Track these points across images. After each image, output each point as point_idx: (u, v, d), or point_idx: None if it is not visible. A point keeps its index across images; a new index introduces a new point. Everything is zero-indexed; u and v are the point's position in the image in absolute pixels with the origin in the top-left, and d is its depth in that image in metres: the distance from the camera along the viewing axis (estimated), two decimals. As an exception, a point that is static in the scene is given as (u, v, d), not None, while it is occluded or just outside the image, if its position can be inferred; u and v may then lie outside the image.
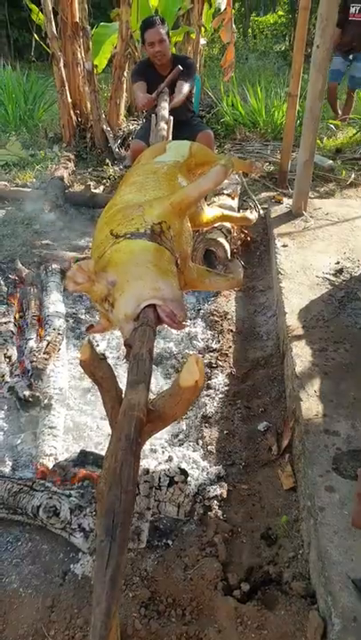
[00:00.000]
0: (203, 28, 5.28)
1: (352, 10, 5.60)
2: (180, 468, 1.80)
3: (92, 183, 4.55)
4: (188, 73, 3.51)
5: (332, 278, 2.96)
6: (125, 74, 4.93)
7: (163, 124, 2.92)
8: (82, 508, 1.70)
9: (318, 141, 5.62)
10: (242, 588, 1.62)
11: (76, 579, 1.63)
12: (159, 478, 1.76)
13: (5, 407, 2.24)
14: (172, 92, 3.41)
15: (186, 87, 3.45)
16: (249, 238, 3.55)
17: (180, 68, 3.48)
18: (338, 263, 3.11)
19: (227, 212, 2.23)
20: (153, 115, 3.23)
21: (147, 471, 1.77)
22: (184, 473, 1.79)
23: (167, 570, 1.65)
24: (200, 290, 1.89)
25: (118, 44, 4.84)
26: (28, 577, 1.63)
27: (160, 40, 3.44)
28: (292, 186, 4.55)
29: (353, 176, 4.77)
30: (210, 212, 2.28)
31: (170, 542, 1.73)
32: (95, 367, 1.10)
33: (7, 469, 1.97)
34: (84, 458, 1.91)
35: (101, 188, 4.50)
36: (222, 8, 4.82)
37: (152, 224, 1.59)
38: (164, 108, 3.20)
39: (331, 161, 4.98)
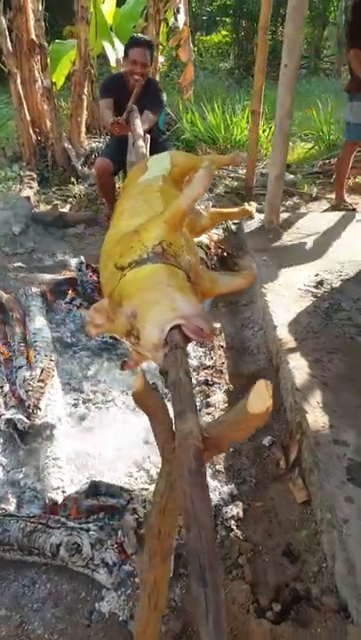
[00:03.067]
0: (160, 47, 5.33)
1: None
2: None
3: (57, 202, 4.47)
4: (157, 106, 3.60)
5: (314, 290, 3.02)
6: (85, 91, 4.89)
7: (140, 142, 2.90)
8: (102, 541, 1.63)
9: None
10: (273, 608, 1.59)
11: (103, 618, 1.55)
12: (179, 504, 1.71)
13: (1, 440, 2.13)
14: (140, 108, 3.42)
15: (150, 120, 3.50)
16: (226, 254, 3.57)
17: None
18: (317, 275, 3.17)
19: (225, 210, 2.23)
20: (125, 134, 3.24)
21: (166, 497, 1.72)
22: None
23: (196, 598, 1.60)
24: (218, 295, 1.87)
25: (77, 61, 4.81)
26: (51, 621, 1.54)
27: (143, 63, 3.49)
28: (259, 200, 4.65)
29: (315, 190, 4.91)
30: (206, 217, 2.27)
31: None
32: (148, 398, 1.06)
33: (12, 507, 1.87)
34: (96, 488, 1.83)
35: (68, 206, 4.43)
36: (180, 27, 4.88)
37: (152, 246, 1.57)
38: (139, 126, 3.19)
39: (292, 175, 5.11)
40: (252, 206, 2.41)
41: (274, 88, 4.36)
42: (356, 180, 5.04)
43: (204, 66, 10.34)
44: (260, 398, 0.93)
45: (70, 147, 4.94)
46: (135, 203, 1.92)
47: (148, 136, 3.01)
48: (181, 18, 4.91)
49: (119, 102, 3.47)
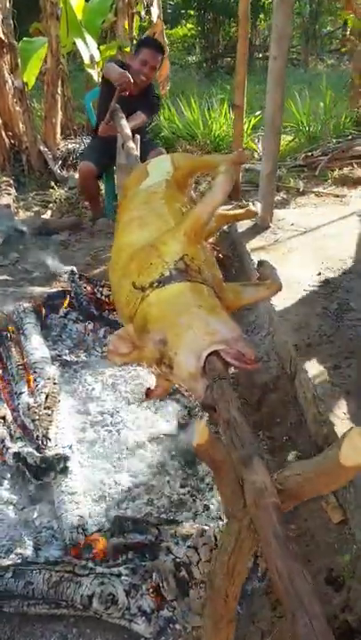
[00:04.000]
0: (134, 41, 5.15)
1: None
2: (235, 523, 1.63)
3: (38, 209, 4.27)
4: (151, 110, 3.57)
5: (320, 290, 2.91)
6: (59, 90, 4.69)
7: (131, 143, 2.74)
8: (137, 587, 1.49)
9: (255, 147, 5.66)
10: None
11: (145, 672, 1.42)
12: (215, 537, 1.58)
13: (9, 476, 1.97)
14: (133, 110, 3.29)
15: (140, 119, 3.43)
16: (221, 255, 3.44)
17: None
18: (320, 274, 3.06)
19: (230, 212, 2.11)
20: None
21: (202, 532, 1.58)
22: (240, 527, 1.61)
23: (245, 642, 1.48)
24: (241, 308, 1.75)
25: (49, 59, 4.60)
26: None
27: (153, 67, 3.44)
28: (246, 197, 4.54)
29: (301, 184, 4.81)
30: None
31: (239, 609, 1.55)
32: (214, 451, 0.92)
33: (29, 551, 1.71)
34: (121, 525, 1.69)
35: (49, 212, 4.23)
36: (154, 20, 4.72)
37: (174, 262, 1.43)
38: (126, 127, 3.03)
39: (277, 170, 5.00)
40: (256, 206, 2.27)
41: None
42: (342, 171, 4.96)
43: (172, 60, 10.15)
44: (354, 448, 0.80)
45: (46, 149, 4.73)
46: (142, 212, 1.78)
47: (138, 137, 2.86)
48: (155, 11, 4.76)
49: (113, 91, 3.30)
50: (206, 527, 1.62)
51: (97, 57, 4.71)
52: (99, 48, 4.84)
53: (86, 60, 4.68)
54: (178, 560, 1.50)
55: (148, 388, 1.57)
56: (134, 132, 3.08)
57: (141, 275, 1.45)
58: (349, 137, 5.58)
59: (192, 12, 12.11)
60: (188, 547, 1.55)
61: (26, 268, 3.50)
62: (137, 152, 2.73)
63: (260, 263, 1.76)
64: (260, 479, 0.91)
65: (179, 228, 1.51)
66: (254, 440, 1.04)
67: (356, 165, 5.05)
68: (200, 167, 2.27)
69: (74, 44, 4.91)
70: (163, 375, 1.33)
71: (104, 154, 3.61)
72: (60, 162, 4.77)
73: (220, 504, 1.88)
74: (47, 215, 4.16)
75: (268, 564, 0.79)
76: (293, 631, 0.70)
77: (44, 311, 2.79)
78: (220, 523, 1.78)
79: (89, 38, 4.73)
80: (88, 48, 4.68)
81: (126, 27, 4.98)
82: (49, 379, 2.18)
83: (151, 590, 1.49)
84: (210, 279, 1.49)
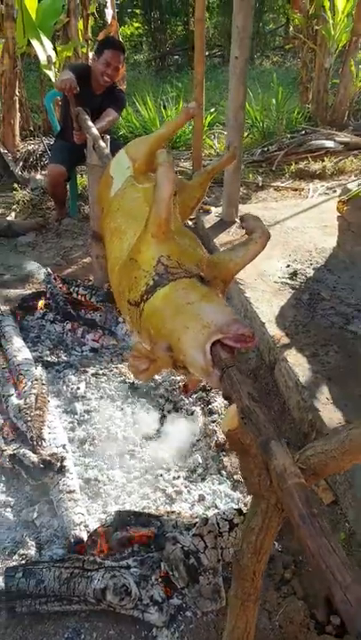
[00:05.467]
0: (89, 42, 5.12)
1: None
2: (236, 509, 1.69)
3: (0, 210, 4.20)
4: (120, 104, 3.58)
5: (290, 282, 3.01)
6: (17, 92, 4.61)
7: (101, 143, 2.74)
8: (147, 577, 1.52)
9: (211, 144, 5.75)
10: (332, 621, 1.56)
11: (161, 659, 1.45)
12: (217, 524, 1.63)
13: (3, 478, 1.95)
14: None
15: (113, 115, 3.48)
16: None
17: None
18: (288, 266, 3.17)
19: (211, 167, 2.03)
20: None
21: (205, 521, 1.63)
22: (241, 513, 1.67)
23: (253, 622, 1.53)
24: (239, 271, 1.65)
25: (6, 61, 4.52)
26: (107, 672, 1.42)
27: (116, 67, 3.43)
28: (208, 194, 4.60)
29: (260, 179, 4.92)
30: (195, 185, 2.01)
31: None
32: (243, 435, 0.97)
33: (32, 551, 1.71)
34: (123, 519, 1.71)
35: (13, 214, 4.17)
36: (108, 21, 4.71)
37: (153, 269, 1.45)
38: (92, 127, 3.03)
39: (236, 165, 5.09)
40: (231, 150, 2.15)
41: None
42: (298, 165, 5.11)
43: (122, 58, 10.12)
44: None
45: (6, 151, 4.65)
46: (118, 222, 1.76)
47: (108, 137, 2.86)
48: (109, 12, 4.75)
49: (78, 94, 3.28)
50: (209, 514, 1.67)
51: (54, 57, 4.66)
52: (55, 49, 4.78)
53: (43, 61, 4.62)
54: (186, 548, 1.54)
55: (185, 384, 1.59)
56: (107, 130, 3.13)
57: (131, 291, 1.46)
58: (303, 132, 5.74)
59: (138, 11, 12.10)
60: (194, 535, 1.59)
61: (-5, 270, 3.45)
62: (108, 150, 2.74)
63: (242, 218, 1.70)
64: (280, 463, 0.96)
65: (145, 233, 1.49)
66: (269, 424, 1.09)
67: (311, 159, 5.21)
68: (156, 144, 2.16)
69: (28, 45, 4.84)
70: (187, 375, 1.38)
71: (71, 155, 3.60)
72: (22, 163, 4.70)
73: (245, 485, 1.94)
74: (12, 217, 4.10)
75: (302, 543, 0.84)
76: (335, 606, 0.76)
77: (20, 313, 2.77)
78: (217, 510, 1.84)
79: (45, 39, 4.67)
80: (44, 49, 4.62)
81: (81, 27, 4.94)
82: (36, 380, 2.17)
83: (160, 580, 1.53)
84: (193, 267, 1.47)
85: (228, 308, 1.36)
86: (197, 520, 1.68)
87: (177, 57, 11.85)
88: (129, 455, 2.15)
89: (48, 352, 2.65)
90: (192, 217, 4.01)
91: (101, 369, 2.59)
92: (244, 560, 1.03)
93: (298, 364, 2.33)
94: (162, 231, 1.47)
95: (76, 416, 2.30)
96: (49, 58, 4.61)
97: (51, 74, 4.67)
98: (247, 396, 1.17)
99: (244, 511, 1.70)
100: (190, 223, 3.98)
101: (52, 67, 4.60)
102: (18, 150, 4.81)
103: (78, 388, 2.43)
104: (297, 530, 0.87)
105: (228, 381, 1.21)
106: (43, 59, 4.61)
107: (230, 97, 3.36)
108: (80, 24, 4.95)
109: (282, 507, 0.99)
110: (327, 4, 5.70)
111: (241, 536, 1.05)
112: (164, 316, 1.37)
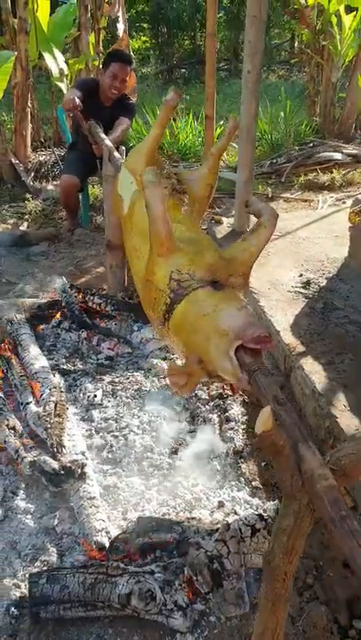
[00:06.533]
0: (101, 55, 5.21)
1: None
2: (257, 515, 1.69)
3: (12, 221, 4.25)
4: (131, 112, 3.64)
5: (303, 291, 3.03)
6: (29, 103, 4.69)
7: (116, 154, 2.79)
8: (170, 582, 1.53)
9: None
10: (354, 625, 1.55)
11: (186, 665, 1.45)
12: (240, 530, 1.64)
13: (23, 486, 1.97)
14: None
15: (126, 124, 3.54)
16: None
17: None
18: (301, 276, 3.19)
19: (219, 145, 1.95)
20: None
21: (227, 526, 1.64)
22: (262, 518, 1.68)
23: (277, 628, 1.53)
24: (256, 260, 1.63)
25: (18, 73, 4.59)
26: None
27: (123, 80, 3.49)
28: (218, 204, 4.65)
29: (270, 190, 4.96)
30: (204, 173, 1.95)
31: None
32: (276, 436, 0.98)
33: (53, 558, 1.72)
34: (144, 525, 1.72)
35: (25, 224, 4.21)
36: (120, 34, 4.79)
37: (167, 287, 1.48)
38: (106, 139, 3.09)
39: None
40: (232, 122, 2.04)
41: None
42: (307, 177, 5.15)
43: (130, 72, 10.27)
44: None
45: (18, 162, 4.71)
46: (134, 242, 1.82)
47: (124, 148, 2.91)
48: (121, 26, 4.82)
49: (86, 108, 3.34)
50: (230, 520, 1.67)
51: (66, 70, 4.74)
52: (66, 62, 4.87)
53: (55, 74, 4.70)
54: (209, 553, 1.55)
55: (232, 385, 1.64)
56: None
57: (155, 311, 1.52)
58: (311, 144, 5.80)
59: (145, 25, 12.29)
60: (217, 540, 1.60)
61: (8, 279, 3.48)
62: (123, 161, 2.79)
63: (247, 203, 1.68)
64: (310, 466, 0.98)
65: (152, 254, 1.52)
66: (295, 427, 1.10)
67: (320, 171, 5.25)
68: (151, 149, 2.17)
69: (40, 57, 4.93)
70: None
71: (85, 165, 3.65)
72: (33, 174, 4.76)
73: (278, 486, 1.95)
74: (24, 227, 4.14)
75: (338, 544, 0.86)
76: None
77: (36, 322, 2.80)
78: (238, 516, 1.84)
79: (57, 52, 4.76)
80: (56, 62, 4.70)
81: (92, 41, 5.02)
82: (55, 387, 2.19)
83: (183, 585, 1.53)
84: (205, 272, 1.48)
85: (243, 309, 1.37)
86: (218, 526, 1.68)
87: (184, 70, 12.00)
88: (147, 462, 2.16)
89: (64, 360, 2.67)
90: (203, 227, 4.04)
91: (117, 377, 2.60)
92: (275, 561, 1.04)
93: (314, 372, 2.34)
94: (165, 247, 1.50)
95: (93, 423, 2.32)
96: (61, 71, 4.69)
97: (63, 86, 4.75)
98: (273, 399, 1.19)
99: (265, 517, 1.71)
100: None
101: (65, 79, 4.68)
102: (29, 161, 4.87)
103: (95, 396, 2.44)
104: (329, 532, 0.89)
105: (255, 386, 1.23)
106: (55, 71, 4.69)
107: (242, 110, 3.40)
108: (91, 37, 5.03)
109: (313, 507, 1.00)
110: (334, 20, 5.80)
111: (272, 537, 1.06)
112: (187, 332, 1.42)
